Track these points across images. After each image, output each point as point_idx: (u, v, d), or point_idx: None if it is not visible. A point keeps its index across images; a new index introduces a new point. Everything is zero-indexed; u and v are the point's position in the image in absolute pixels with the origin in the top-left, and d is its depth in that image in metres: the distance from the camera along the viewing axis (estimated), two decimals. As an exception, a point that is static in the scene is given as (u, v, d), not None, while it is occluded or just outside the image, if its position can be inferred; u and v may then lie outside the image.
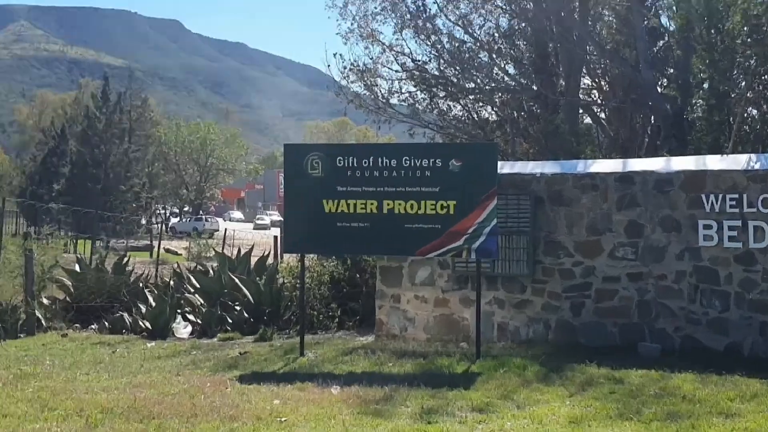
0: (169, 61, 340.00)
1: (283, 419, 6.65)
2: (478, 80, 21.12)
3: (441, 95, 22.27)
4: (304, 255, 10.36)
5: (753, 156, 9.57)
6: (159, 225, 53.54)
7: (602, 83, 21.06)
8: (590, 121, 22.41)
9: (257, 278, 12.89)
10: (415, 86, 21.93)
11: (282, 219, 10.07)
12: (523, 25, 21.32)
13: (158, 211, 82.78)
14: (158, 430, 6.25)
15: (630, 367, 8.55)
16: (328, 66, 20.38)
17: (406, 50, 21.96)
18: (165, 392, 7.69)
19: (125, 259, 15.35)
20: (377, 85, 22.13)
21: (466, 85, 21.29)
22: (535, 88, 19.96)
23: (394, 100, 22.28)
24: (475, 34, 21.83)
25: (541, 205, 10.27)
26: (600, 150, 21.55)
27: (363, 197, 9.62)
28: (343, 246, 10.18)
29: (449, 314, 10.66)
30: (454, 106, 22.64)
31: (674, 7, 13.44)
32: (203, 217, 70.82)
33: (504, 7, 21.90)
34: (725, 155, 10.00)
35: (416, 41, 21.82)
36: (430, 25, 21.43)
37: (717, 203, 9.37)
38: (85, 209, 38.93)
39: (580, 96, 22.14)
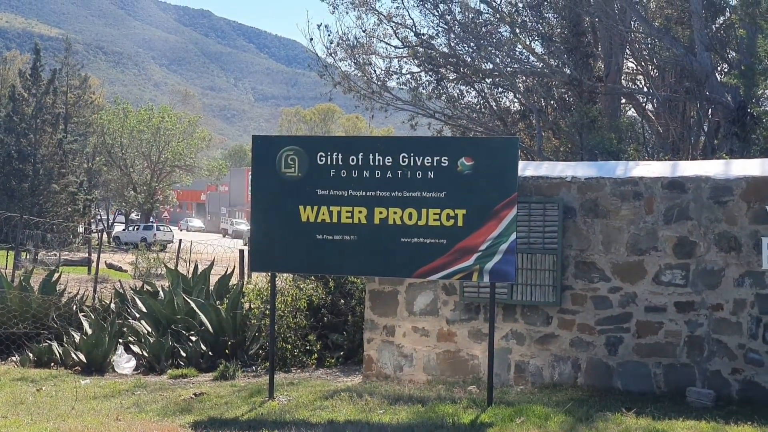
0: (116, 32, 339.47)
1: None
2: (498, 60, 21.08)
3: (451, 77, 22.30)
4: (275, 275, 10.36)
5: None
6: (99, 234, 53.16)
7: (649, 68, 21.08)
8: (634, 114, 22.45)
9: (218, 302, 12.88)
10: (419, 66, 21.96)
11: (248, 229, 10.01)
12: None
13: (100, 217, 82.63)
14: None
15: (676, 418, 8.59)
16: (311, 40, 20.48)
17: (408, 21, 22.05)
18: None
19: (56, 276, 15.30)
20: (371, 64, 22.21)
21: (483, 66, 21.27)
22: (567, 71, 19.87)
23: (392, 83, 22.32)
24: (494, 3, 21.83)
25: (571, 216, 10.31)
26: (645, 149, 21.60)
27: (350, 203, 9.63)
28: (324, 264, 10.14)
29: (455, 351, 10.68)
30: (467, 91, 22.71)
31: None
32: (154, 225, 70.54)
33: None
34: None
35: (421, 10, 21.87)
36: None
37: (787, 216, 9.43)
38: (7, 213, 38.78)
39: (623, 83, 22.20)
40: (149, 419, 8.88)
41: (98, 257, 24.78)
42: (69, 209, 56.97)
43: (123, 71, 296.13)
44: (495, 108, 21.87)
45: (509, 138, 9.50)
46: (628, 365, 10.06)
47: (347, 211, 9.65)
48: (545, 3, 21.84)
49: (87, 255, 40.42)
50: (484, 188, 9.37)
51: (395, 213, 9.53)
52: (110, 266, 37.49)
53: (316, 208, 9.72)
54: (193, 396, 10.06)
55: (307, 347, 12.07)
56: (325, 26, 20.72)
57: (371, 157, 9.62)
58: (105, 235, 76.50)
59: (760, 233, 9.53)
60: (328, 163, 9.72)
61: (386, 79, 22.12)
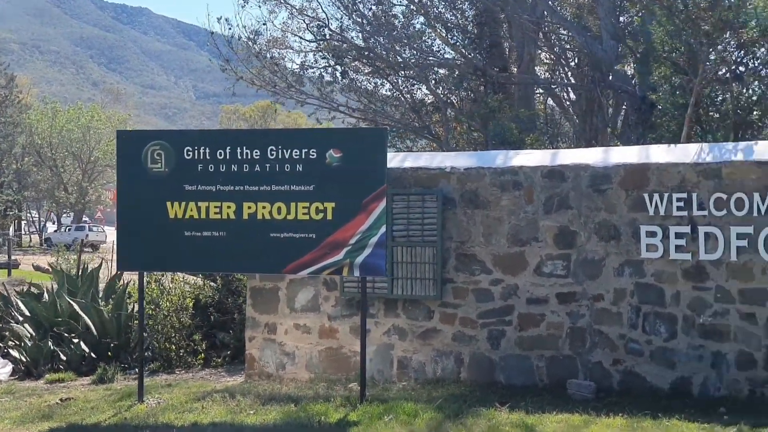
0: (52, 31, 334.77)
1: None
2: (411, 52, 20.95)
3: (366, 71, 22.14)
4: (143, 274, 10.11)
5: (705, 146, 9.59)
6: (6, 232, 52.35)
7: (563, 58, 21.12)
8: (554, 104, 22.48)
9: (105, 303, 12.60)
10: (333, 60, 21.70)
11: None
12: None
13: (32, 219, 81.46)
14: None
15: (552, 411, 8.54)
16: (212, 34, 20.03)
17: (321, 15, 21.75)
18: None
19: None
20: (284, 59, 21.98)
21: (397, 59, 21.11)
22: (480, 62, 19.83)
23: (306, 79, 22.04)
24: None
25: (451, 207, 10.20)
26: (565, 140, 21.64)
27: (218, 198, 9.42)
28: (193, 261, 9.90)
29: (337, 348, 10.53)
30: (381, 84, 22.53)
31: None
32: (87, 225, 69.75)
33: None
34: (673, 146, 10.00)
35: (333, 2, 21.61)
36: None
37: (662, 205, 9.38)
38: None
39: (540, 73, 22.22)
40: (2, 428, 8.59)
41: (9, 256, 24.23)
42: (-2, 210, 56.00)
43: (60, 70, 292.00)
44: (410, 101, 21.70)
45: (378, 129, 9.39)
46: (510, 359, 9.98)
47: (215, 207, 9.43)
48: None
49: (9, 257, 39.90)
50: (352, 181, 9.21)
51: (264, 207, 9.34)
52: (37, 268, 36.70)
53: (183, 204, 9.48)
54: (59, 402, 9.78)
55: (194, 347, 11.84)
56: (225, 19, 20.36)
57: (239, 150, 9.40)
58: (36, 237, 75.65)
59: (638, 221, 9.50)
60: (196, 157, 9.48)
61: (302, 73, 21.90)
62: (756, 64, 13.48)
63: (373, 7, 21.50)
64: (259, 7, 24.81)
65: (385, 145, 9.47)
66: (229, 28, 20.90)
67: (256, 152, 9.37)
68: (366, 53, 21.15)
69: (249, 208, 9.37)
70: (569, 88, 21.09)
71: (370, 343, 10.36)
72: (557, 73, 21.76)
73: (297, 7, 21.84)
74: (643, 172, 9.52)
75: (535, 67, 21.41)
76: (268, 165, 9.35)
